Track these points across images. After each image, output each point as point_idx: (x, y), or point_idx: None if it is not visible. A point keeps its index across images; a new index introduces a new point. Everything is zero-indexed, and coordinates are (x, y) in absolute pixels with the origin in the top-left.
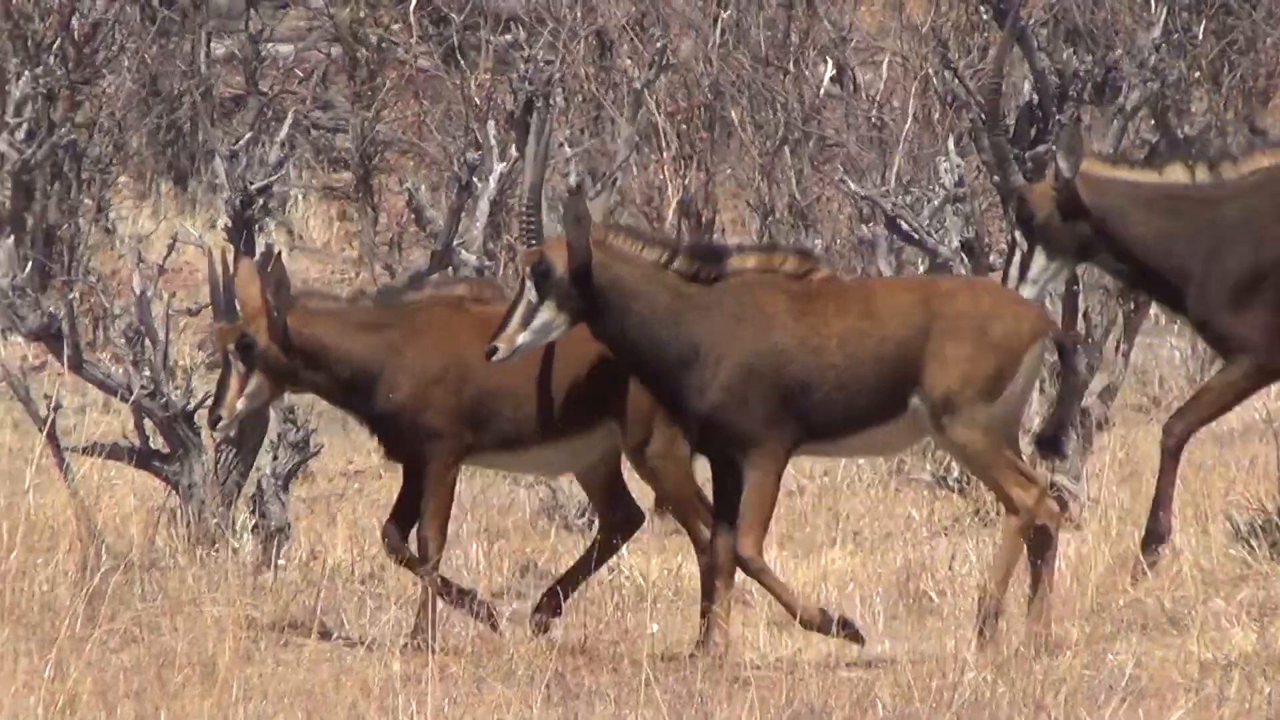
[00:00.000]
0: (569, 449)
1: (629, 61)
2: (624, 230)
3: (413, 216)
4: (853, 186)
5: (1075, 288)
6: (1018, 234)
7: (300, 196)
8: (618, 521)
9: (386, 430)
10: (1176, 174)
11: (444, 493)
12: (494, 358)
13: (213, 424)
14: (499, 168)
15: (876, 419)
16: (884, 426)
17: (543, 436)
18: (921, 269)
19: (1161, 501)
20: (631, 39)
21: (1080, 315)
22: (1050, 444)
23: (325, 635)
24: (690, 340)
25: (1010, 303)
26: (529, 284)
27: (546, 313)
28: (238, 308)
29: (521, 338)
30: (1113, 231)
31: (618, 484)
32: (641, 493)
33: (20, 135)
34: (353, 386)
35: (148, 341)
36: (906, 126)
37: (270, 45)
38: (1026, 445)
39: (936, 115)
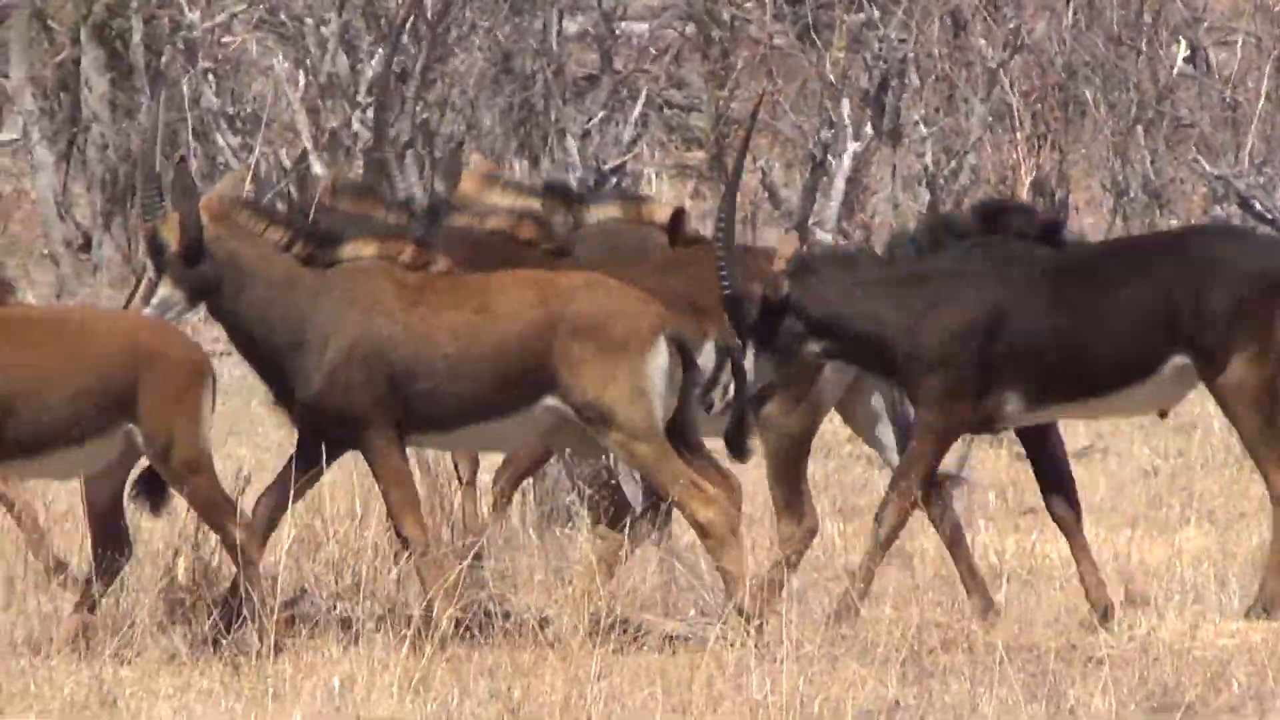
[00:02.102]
0: (84, 453)
1: (983, 41)
2: (249, 208)
3: (766, 195)
4: (1206, 167)
5: None
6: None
7: (653, 175)
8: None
9: None
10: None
11: None
12: None
13: None
14: (853, 146)
15: (496, 413)
16: (505, 420)
17: (55, 443)
18: None
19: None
20: (985, 19)
21: None
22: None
23: (679, 613)
24: (299, 324)
25: (630, 300)
26: (149, 260)
27: (164, 289)
28: None
29: (145, 313)
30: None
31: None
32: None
33: (373, 114)
34: None
35: None
36: (1260, 106)
37: (624, 23)
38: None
39: None
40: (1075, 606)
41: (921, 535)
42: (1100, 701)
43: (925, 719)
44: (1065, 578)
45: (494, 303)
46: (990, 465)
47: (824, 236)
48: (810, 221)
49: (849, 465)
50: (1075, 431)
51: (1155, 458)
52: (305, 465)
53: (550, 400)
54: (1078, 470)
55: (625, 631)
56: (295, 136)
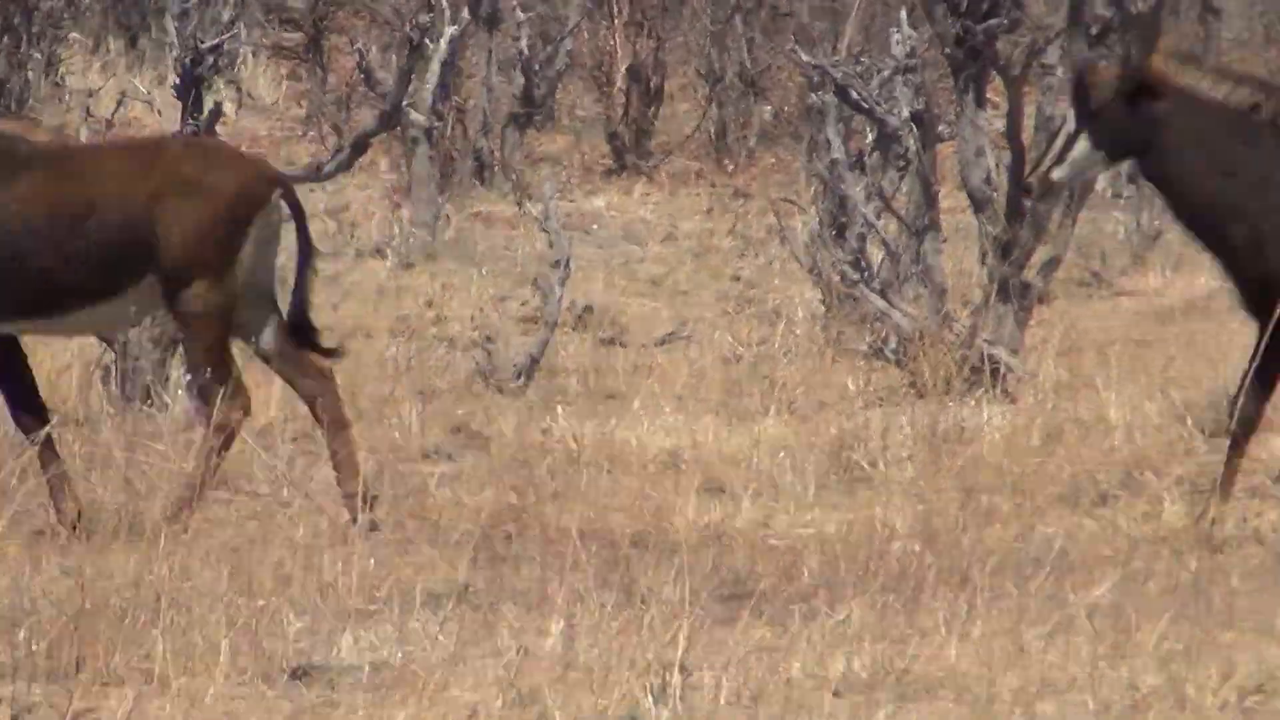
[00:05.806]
0: None
1: None
2: None
3: (362, 77)
4: (803, 56)
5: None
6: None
7: (250, 55)
8: None
9: None
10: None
11: None
12: None
13: None
14: (450, 30)
15: None
16: None
17: None
18: (869, 139)
19: None
20: None
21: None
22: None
23: (254, 494)
24: None
25: None
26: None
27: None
28: None
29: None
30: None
31: None
32: None
33: None
34: None
35: None
36: None
37: None
38: None
39: None
40: (651, 494)
41: (500, 419)
42: (673, 589)
43: (495, 604)
44: (642, 464)
45: None
46: (573, 349)
47: (418, 118)
48: (405, 103)
49: (432, 347)
50: (659, 317)
51: (738, 346)
52: None
53: None
54: (660, 356)
55: (200, 510)
56: None
